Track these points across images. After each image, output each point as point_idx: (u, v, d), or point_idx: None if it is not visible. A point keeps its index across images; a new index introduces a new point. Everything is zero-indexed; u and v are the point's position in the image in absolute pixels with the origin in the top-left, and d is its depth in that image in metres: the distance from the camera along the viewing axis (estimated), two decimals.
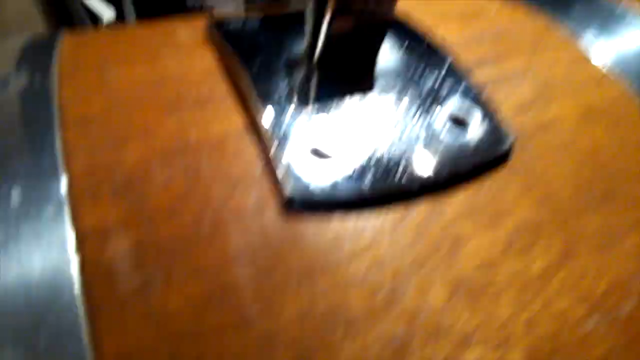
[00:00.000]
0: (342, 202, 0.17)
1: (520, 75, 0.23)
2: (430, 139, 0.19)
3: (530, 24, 0.27)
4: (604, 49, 0.25)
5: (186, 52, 0.21)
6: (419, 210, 0.17)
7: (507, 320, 0.15)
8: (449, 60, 0.22)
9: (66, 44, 0.21)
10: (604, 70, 0.24)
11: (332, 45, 0.20)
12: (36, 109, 0.18)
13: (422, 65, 0.22)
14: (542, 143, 0.20)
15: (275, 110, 0.18)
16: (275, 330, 0.14)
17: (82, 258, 0.14)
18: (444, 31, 0.25)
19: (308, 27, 0.20)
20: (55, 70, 0.19)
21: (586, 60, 0.24)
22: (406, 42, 0.23)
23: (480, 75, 0.22)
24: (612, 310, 0.16)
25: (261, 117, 0.18)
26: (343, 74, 0.20)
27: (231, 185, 0.16)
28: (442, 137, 0.19)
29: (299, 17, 0.22)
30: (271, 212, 0.16)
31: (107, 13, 0.63)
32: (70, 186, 0.15)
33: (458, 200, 0.18)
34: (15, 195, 0.15)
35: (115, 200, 0.15)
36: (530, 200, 0.18)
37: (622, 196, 0.19)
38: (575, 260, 0.17)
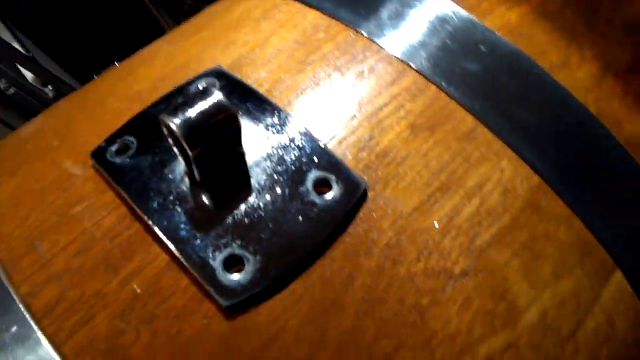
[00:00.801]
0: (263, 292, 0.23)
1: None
2: (308, 208, 0.25)
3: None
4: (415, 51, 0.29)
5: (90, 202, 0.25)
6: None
7: None
8: (301, 129, 0.27)
9: None
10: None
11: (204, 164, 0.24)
12: None
13: (278, 139, 0.26)
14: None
15: (183, 238, 0.24)
16: None
17: None
18: None
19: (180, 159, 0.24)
20: None
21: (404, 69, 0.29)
22: (260, 122, 0.27)
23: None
24: None
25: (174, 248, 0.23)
26: (222, 181, 0.25)
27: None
28: (315, 202, 0.25)
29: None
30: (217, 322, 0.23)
31: None
32: None
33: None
34: None
35: None
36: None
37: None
38: None
